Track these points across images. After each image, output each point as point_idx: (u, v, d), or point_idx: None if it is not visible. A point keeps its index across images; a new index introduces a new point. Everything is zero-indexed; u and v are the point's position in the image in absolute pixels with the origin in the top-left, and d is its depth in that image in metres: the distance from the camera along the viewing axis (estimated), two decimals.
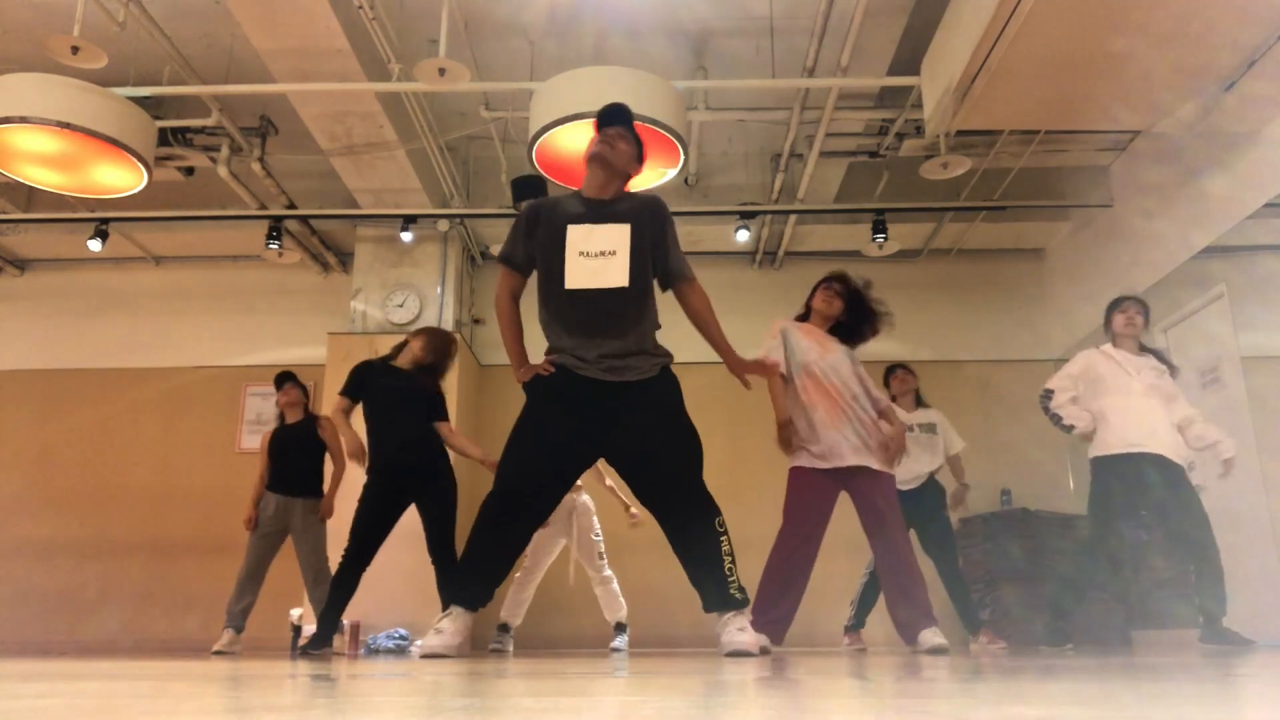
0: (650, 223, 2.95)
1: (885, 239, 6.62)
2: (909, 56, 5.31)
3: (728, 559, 2.85)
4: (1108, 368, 4.21)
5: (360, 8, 4.66)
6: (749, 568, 3.77)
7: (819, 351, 3.74)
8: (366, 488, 4.25)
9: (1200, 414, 4.21)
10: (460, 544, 3.36)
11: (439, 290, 6.92)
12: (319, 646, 4.18)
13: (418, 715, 1.03)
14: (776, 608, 3.58)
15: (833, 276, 3.92)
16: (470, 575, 2.88)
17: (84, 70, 4.67)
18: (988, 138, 5.97)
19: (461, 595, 2.88)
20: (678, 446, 2.88)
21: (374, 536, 4.19)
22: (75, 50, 4.48)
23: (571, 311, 2.87)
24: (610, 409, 2.84)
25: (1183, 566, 4.18)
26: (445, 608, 4.10)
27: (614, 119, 3.05)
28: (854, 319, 3.86)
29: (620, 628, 5.38)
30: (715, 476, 2.97)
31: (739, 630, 2.80)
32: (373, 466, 4.28)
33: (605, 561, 5.38)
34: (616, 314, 2.85)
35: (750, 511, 4.66)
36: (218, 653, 4.60)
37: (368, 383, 4.37)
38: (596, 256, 2.85)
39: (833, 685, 1.57)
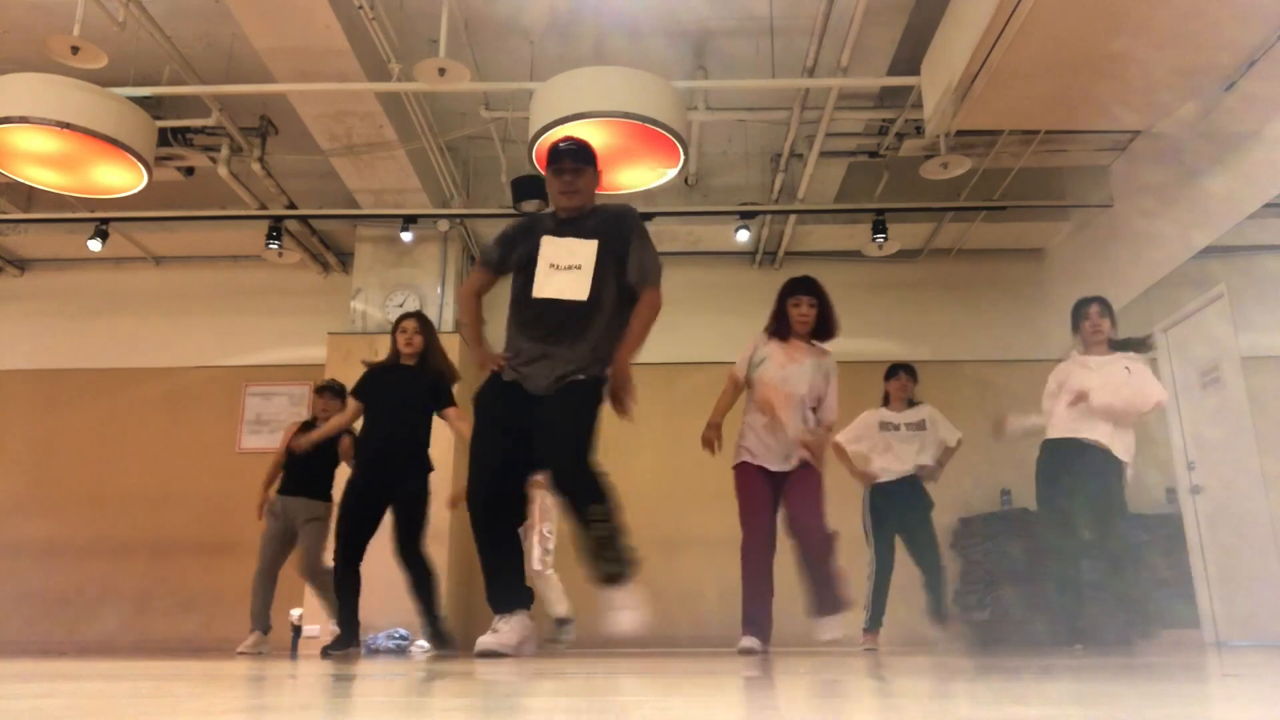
0: (618, 236, 3.08)
1: (885, 239, 6.62)
2: (909, 56, 5.30)
3: (601, 538, 2.79)
4: (1074, 373, 4.30)
5: (360, 8, 4.65)
6: (735, 572, 3.81)
7: (782, 360, 3.85)
8: (349, 483, 4.23)
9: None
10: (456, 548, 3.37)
11: (439, 290, 6.92)
12: (342, 648, 4.18)
13: (418, 715, 1.03)
14: (762, 611, 3.68)
15: (798, 290, 3.91)
16: (494, 580, 2.98)
17: (84, 70, 4.66)
18: (988, 138, 5.96)
19: (499, 602, 2.97)
20: (565, 426, 2.90)
21: (359, 534, 4.18)
22: (75, 50, 4.48)
23: (535, 318, 3.00)
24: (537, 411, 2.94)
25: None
26: (422, 612, 4.17)
27: (564, 158, 3.17)
28: (822, 318, 3.92)
29: (563, 622, 5.13)
30: (710, 478, 2.97)
31: (621, 608, 2.78)
32: (357, 459, 4.31)
33: (548, 558, 5.09)
34: (576, 325, 2.97)
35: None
36: (243, 653, 4.64)
37: (369, 386, 4.35)
38: (565, 270, 3.01)
39: (833, 685, 1.57)
